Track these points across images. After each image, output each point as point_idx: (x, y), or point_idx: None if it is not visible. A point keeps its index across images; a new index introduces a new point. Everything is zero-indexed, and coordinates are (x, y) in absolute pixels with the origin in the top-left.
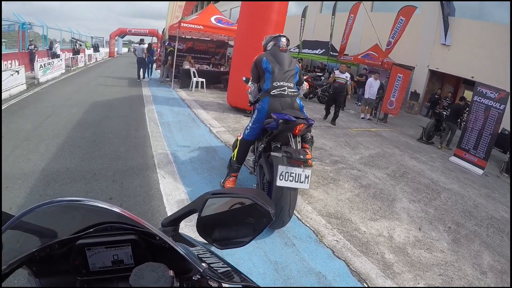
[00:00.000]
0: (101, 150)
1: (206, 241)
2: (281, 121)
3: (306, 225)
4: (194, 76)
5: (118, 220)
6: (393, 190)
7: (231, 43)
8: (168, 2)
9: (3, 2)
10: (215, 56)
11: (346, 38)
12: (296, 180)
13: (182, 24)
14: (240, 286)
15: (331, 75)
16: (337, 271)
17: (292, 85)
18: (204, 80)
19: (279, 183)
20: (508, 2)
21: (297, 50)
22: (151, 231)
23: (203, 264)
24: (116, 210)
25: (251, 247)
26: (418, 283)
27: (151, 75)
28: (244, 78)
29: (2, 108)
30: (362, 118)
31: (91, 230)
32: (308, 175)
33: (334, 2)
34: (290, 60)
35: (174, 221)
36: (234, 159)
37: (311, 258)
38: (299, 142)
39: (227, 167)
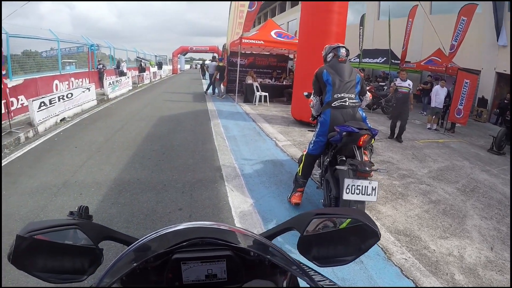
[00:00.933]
0: (170, 162)
1: (305, 258)
2: (344, 133)
3: None
4: (257, 91)
5: (210, 235)
6: (463, 206)
7: (291, 56)
8: (228, 19)
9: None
10: (276, 70)
11: (405, 44)
12: (363, 192)
13: (243, 40)
14: None
15: (392, 85)
16: None
17: (353, 95)
18: (267, 94)
19: (346, 196)
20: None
21: (357, 60)
22: (244, 248)
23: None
24: (223, 227)
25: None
26: None
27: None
28: (305, 94)
29: (77, 120)
30: (428, 128)
31: (184, 244)
32: (375, 187)
33: (389, 7)
34: (350, 70)
35: (268, 238)
36: (300, 174)
37: (379, 276)
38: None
39: (293, 182)
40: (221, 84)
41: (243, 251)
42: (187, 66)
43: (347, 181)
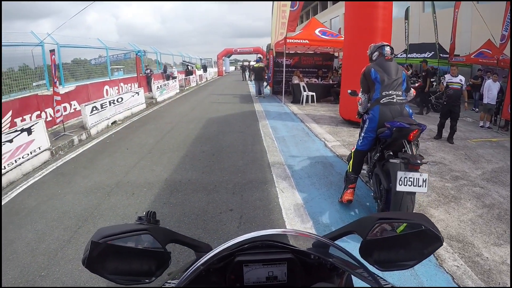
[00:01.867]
0: (220, 164)
1: (367, 262)
2: (395, 129)
3: None
4: (304, 90)
5: (272, 238)
6: None
7: (336, 54)
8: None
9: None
10: (322, 69)
11: (453, 36)
12: (415, 184)
13: (288, 40)
14: None
15: (442, 82)
16: None
17: (400, 93)
18: (314, 93)
19: (399, 188)
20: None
21: (404, 55)
22: (305, 251)
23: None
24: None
25: (372, 266)
26: None
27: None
28: (349, 91)
29: (128, 123)
30: (481, 126)
31: (246, 246)
32: (426, 179)
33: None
34: (396, 68)
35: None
36: (350, 170)
37: (430, 283)
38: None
39: (344, 180)
40: (264, 84)
41: (304, 254)
42: (232, 68)
43: (400, 174)
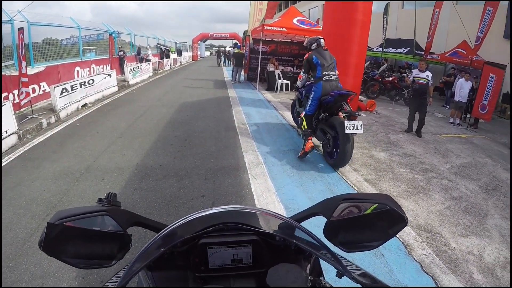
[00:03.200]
0: (192, 149)
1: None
2: (338, 95)
3: (396, 236)
4: (279, 78)
5: (236, 220)
6: (485, 205)
7: None
8: (249, 5)
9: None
10: (298, 58)
11: (432, 35)
12: (356, 128)
13: (265, 27)
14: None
15: (407, 76)
16: None
17: (335, 73)
18: (288, 82)
19: (347, 131)
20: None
21: (380, 49)
22: (270, 233)
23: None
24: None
25: (342, 254)
26: None
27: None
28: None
29: (99, 106)
30: (451, 122)
31: (210, 229)
32: (361, 124)
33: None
34: (330, 55)
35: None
36: (306, 127)
37: (399, 271)
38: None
39: (301, 136)
40: (242, 71)
41: (269, 236)
42: (207, 53)
43: (346, 122)
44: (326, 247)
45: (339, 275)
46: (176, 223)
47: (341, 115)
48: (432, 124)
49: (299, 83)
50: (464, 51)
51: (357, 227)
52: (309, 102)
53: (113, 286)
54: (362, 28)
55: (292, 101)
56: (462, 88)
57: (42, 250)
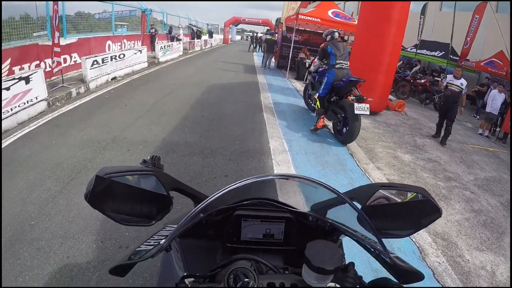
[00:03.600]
0: (219, 130)
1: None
2: (349, 81)
3: (412, 240)
4: (309, 68)
5: (272, 193)
6: (504, 222)
7: (346, 38)
8: None
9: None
10: None
11: (470, 41)
12: (364, 110)
13: (299, 16)
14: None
15: (442, 80)
16: None
17: (347, 62)
18: None
19: (356, 112)
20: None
21: (414, 50)
22: (305, 213)
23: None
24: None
25: (356, 249)
26: None
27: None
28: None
29: (128, 80)
30: (479, 134)
31: (246, 202)
32: (368, 107)
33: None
34: (344, 46)
35: (324, 208)
36: (320, 107)
37: None
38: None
39: (315, 115)
40: (272, 58)
41: (302, 216)
42: (238, 37)
43: (356, 105)
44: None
45: (376, 255)
46: (218, 193)
47: (350, 99)
48: (461, 133)
49: (312, 68)
50: (500, 62)
51: (389, 215)
52: (322, 86)
53: (158, 244)
54: (397, 28)
55: (305, 84)
56: (495, 99)
57: (87, 202)
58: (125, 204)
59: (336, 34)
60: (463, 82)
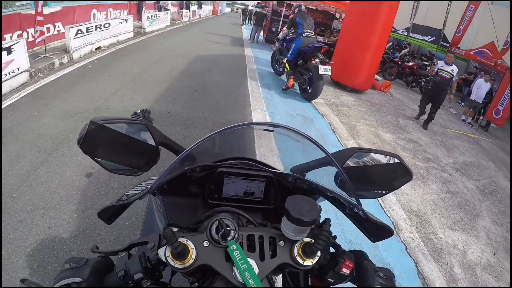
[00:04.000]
0: (202, 101)
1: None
2: (314, 47)
3: (387, 215)
4: (277, 36)
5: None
6: (478, 205)
7: (337, 15)
8: None
9: None
10: (320, 27)
11: (463, 30)
12: (327, 71)
13: None
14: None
15: (432, 65)
16: (405, 268)
17: (312, 31)
18: None
19: (321, 72)
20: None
21: (405, 33)
22: (284, 173)
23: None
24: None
25: (332, 220)
26: None
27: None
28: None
29: (112, 50)
30: (462, 120)
31: (230, 162)
32: (330, 69)
33: None
34: (310, 18)
35: (302, 170)
36: (289, 69)
37: (384, 248)
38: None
39: (285, 75)
40: (261, 31)
41: (282, 176)
42: (228, 9)
43: (320, 66)
44: (332, 189)
45: (350, 211)
46: (202, 140)
47: (314, 62)
48: (444, 117)
49: (281, 36)
50: (490, 52)
51: (364, 177)
52: (290, 51)
53: (145, 188)
54: (389, 10)
55: (273, 51)
56: (480, 88)
57: (79, 146)
58: (115, 153)
59: (303, 7)
60: (454, 68)
